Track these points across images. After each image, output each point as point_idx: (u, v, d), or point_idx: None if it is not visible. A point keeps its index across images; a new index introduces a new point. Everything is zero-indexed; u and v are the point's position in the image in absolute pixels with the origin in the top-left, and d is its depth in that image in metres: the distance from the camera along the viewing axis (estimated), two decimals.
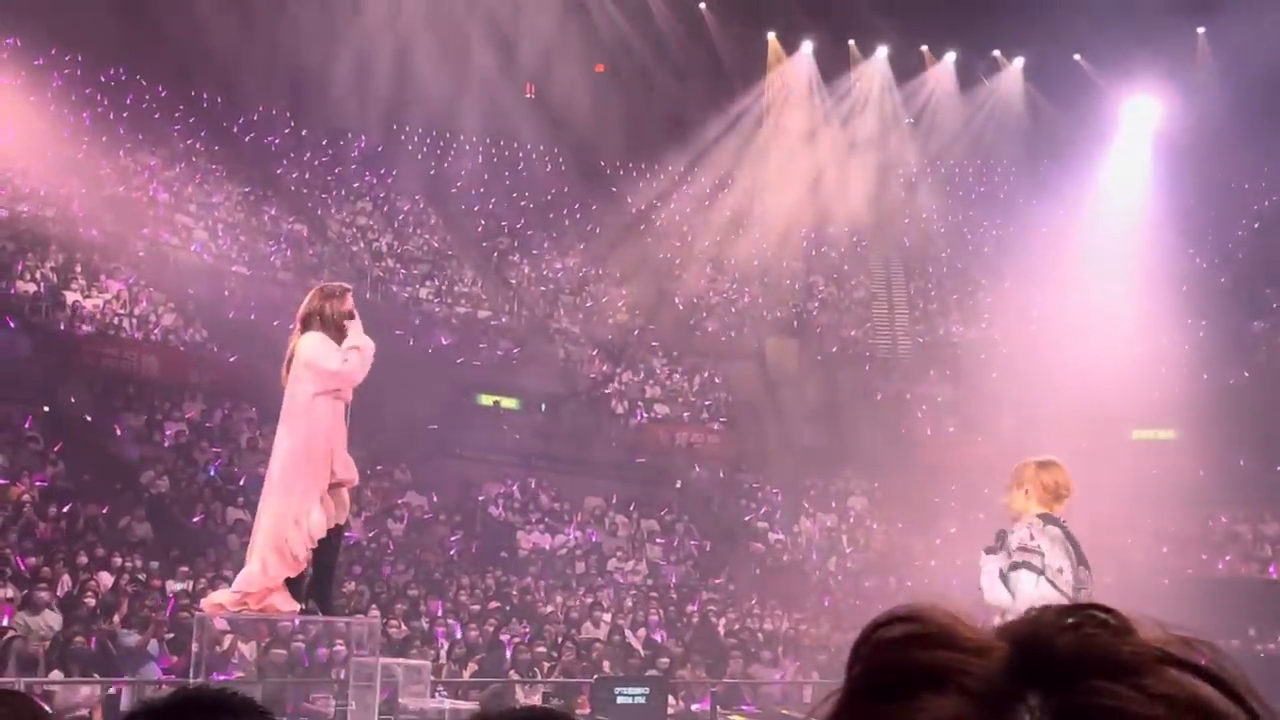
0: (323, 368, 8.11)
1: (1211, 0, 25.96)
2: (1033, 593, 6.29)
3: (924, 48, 30.06)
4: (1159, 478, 20.79)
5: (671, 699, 17.35)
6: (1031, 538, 6.43)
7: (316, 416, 8.15)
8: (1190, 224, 26.16)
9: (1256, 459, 22.08)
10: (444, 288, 27.76)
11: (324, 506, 8.05)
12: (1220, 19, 25.92)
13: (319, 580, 8.30)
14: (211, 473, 20.78)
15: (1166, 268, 25.33)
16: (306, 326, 8.28)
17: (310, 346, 8.18)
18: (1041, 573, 6.35)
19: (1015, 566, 6.41)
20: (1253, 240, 26.22)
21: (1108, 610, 0.83)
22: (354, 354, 8.14)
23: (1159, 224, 26.40)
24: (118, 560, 17.43)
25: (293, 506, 8.06)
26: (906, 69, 30.49)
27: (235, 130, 27.67)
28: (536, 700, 17.02)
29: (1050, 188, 31.48)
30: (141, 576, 17.30)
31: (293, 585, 8.15)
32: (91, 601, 16.12)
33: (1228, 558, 22.09)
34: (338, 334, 8.25)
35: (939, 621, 0.86)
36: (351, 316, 8.31)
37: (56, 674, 14.34)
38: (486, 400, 25.72)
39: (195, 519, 19.24)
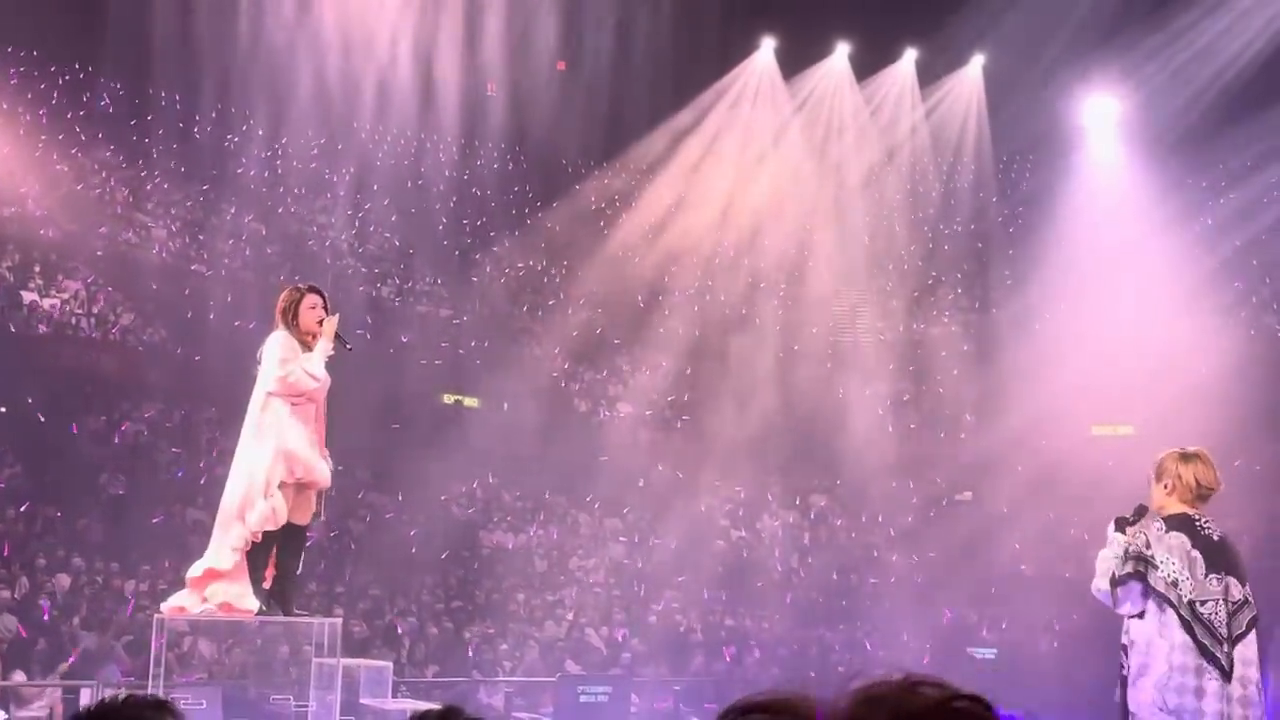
0: (267, 372, 8.11)
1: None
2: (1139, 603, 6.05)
3: (884, 45, 30.13)
4: (1117, 472, 20.95)
5: (634, 697, 17.39)
6: (1147, 545, 6.07)
7: (271, 415, 8.12)
8: (1148, 221, 26.33)
9: (1214, 455, 22.26)
10: (405, 286, 27.67)
11: (271, 503, 8.01)
12: (1178, 18, 26.12)
13: (280, 581, 8.27)
14: (179, 475, 20.64)
15: (1125, 265, 25.49)
16: (277, 324, 8.29)
17: (268, 347, 8.17)
18: (1145, 580, 6.00)
19: (1126, 578, 6.05)
20: (1211, 238, 26.41)
21: (975, 698, 0.83)
22: (303, 376, 8.10)
23: (1118, 222, 26.55)
24: (76, 561, 17.32)
25: (237, 502, 8.05)
26: (867, 66, 30.55)
27: (193, 128, 27.48)
28: (499, 701, 17.01)
29: (1009, 185, 31.65)
30: (100, 578, 17.20)
31: (254, 586, 8.12)
32: (50, 603, 16.02)
33: None
34: (303, 335, 8.24)
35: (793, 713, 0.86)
36: (320, 322, 8.29)
37: (19, 675, 14.25)
38: (448, 399, 25.66)
39: (155, 520, 19.10)
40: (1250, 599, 6.13)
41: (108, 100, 27.32)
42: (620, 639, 20.31)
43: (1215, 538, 6.15)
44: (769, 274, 29.57)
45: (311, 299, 8.36)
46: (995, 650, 21.20)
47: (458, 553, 21.98)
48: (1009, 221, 30.66)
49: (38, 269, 22.60)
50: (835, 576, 24.31)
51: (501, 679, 17.94)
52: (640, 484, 25.04)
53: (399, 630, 18.49)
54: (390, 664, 9.95)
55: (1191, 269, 25.10)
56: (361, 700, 8.88)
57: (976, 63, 30.04)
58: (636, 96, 29.86)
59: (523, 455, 24.04)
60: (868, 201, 30.54)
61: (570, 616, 20.62)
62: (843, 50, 30.34)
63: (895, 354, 28.83)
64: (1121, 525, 6.45)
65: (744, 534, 25.49)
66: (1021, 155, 31.46)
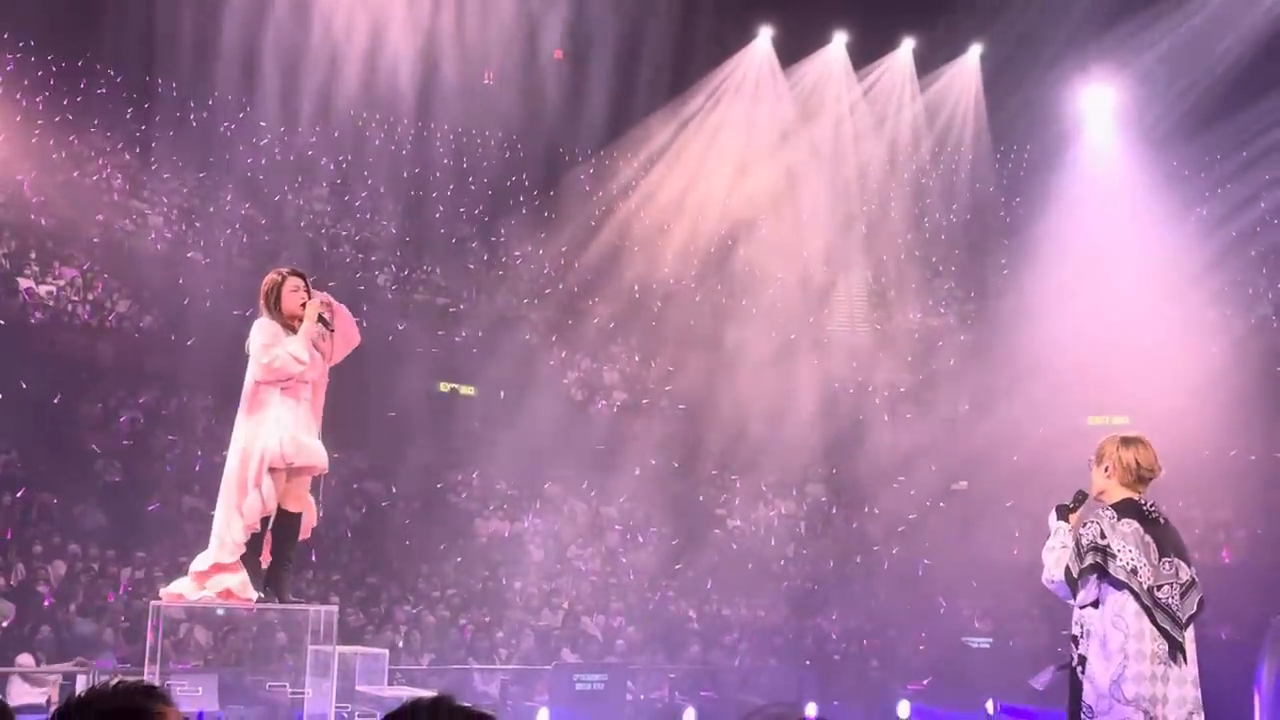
0: (252, 359, 8.10)
1: None
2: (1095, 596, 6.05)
3: (881, 35, 30.08)
4: None
5: (630, 685, 17.41)
6: (1102, 535, 6.05)
7: (260, 403, 8.10)
8: (1145, 211, 26.32)
9: (1210, 445, 22.26)
10: (402, 274, 27.64)
11: (260, 491, 8.00)
12: (1176, 7, 26.10)
13: (275, 568, 8.27)
14: (168, 466, 20.62)
15: (1122, 254, 25.48)
16: (260, 310, 8.27)
17: (251, 334, 8.15)
18: (1107, 572, 5.99)
19: (1085, 572, 6.05)
20: (1208, 227, 26.40)
21: None
22: (288, 360, 8.07)
23: (1115, 211, 26.54)
24: (73, 548, 17.32)
25: (232, 493, 8.04)
26: (864, 56, 30.49)
27: (190, 115, 27.40)
28: (495, 688, 17.03)
29: (1006, 175, 31.62)
30: (96, 565, 17.20)
31: (251, 573, 8.12)
32: (45, 590, 16.02)
33: None
34: (287, 320, 8.22)
35: None
36: (304, 305, 8.25)
37: (29, 659, 14.25)
38: (444, 387, 25.64)
39: (151, 507, 19.10)
40: (1196, 579, 6.18)
41: (104, 88, 27.23)
42: (616, 627, 20.33)
43: (1162, 521, 6.20)
44: (765, 263, 29.54)
45: (294, 282, 8.31)
46: (991, 639, 21.23)
47: (454, 541, 21.99)
48: (1006, 211, 30.63)
49: (34, 255, 22.57)
50: (831, 566, 24.34)
51: (498, 667, 17.97)
52: (636, 473, 25.04)
53: (395, 618, 18.50)
54: (386, 652, 9.98)
55: (1188, 258, 25.09)
56: (358, 688, 8.89)
57: (974, 52, 30.00)
58: (634, 86, 29.79)
59: (519, 444, 24.02)
60: (865, 191, 30.49)
61: (566, 605, 20.64)
62: (840, 40, 30.29)
63: (892, 344, 28.82)
64: (1064, 513, 6.52)
65: (740, 523, 25.50)
66: (1019, 145, 31.43)
